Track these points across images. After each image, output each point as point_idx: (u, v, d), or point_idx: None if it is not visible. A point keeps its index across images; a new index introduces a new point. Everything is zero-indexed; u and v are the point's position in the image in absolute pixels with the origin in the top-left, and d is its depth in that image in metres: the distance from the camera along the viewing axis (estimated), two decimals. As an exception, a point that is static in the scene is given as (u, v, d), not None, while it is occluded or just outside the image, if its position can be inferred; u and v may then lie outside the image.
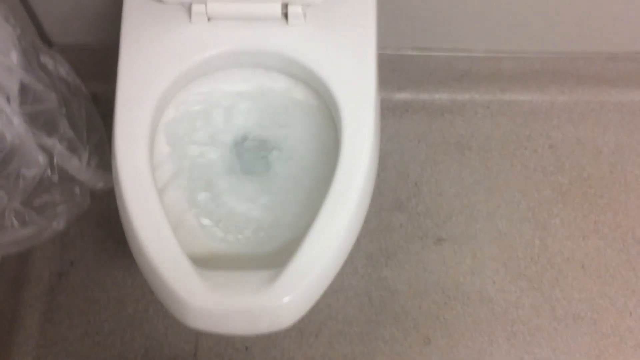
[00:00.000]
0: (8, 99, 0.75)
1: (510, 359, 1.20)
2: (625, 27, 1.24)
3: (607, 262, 1.28)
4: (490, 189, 1.33)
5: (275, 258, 0.90)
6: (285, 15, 0.92)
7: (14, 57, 0.76)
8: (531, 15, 1.20)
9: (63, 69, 0.93)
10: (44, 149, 0.84)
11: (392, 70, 1.34)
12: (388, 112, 1.38)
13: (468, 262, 1.27)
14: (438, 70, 1.35)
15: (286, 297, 0.77)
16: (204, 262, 0.88)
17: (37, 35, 1.16)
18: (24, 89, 0.79)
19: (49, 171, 0.87)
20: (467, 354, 1.20)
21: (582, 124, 1.39)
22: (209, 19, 0.92)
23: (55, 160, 0.87)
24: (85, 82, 1.05)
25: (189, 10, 0.91)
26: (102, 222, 1.27)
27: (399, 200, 1.32)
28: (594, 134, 1.39)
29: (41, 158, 0.81)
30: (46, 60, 0.90)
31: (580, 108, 1.40)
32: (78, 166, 0.90)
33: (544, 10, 1.19)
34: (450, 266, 1.27)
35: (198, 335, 1.20)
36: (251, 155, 0.98)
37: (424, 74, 1.35)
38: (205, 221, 0.93)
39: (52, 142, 0.85)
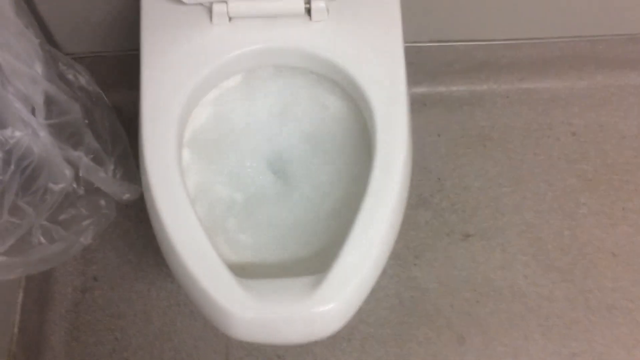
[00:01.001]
0: (33, 111, 0.72)
1: (547, 354, 1.17)
2: (644, 6, 1.22)
3: (638, 248, 1.26)
4: (515, 180, 1.31)
5: (311, 263, 0.88)
6: (309, 11, 0.89)
7: (38, 67, 0.73)
8: None
9: (83, 78, 0.90)
10: (69, 161, 0.81)
11: (408, 64, 1.29)
12: (406, 107, 1.35)
13: (497, 256, 1.24)
14: (456, 62, 1.32)
15: (332, 303, 0.74)
16: (238, 271, 0.85)
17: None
18: (48, 101, 0.76)
19: (74, 184, 0.84)
20: (503, 352, 1.18)
21: (603, 109, 1.37)
22: (230, 19, 0.89)
23: (81, 173, 0.85)
24: (101, 92, 1.02)
25: (209, 11, 0.89)
26: (123, 234, 1.24)
27: (423, 197, 1.29)
28: (615, 119, 1.36)
29: (68, 171, 0.79)
30: (65, 69, 0.87)
31: (601, 93, 1.38)
32: (104, 178, 0.87)
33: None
34: (479, 262, 1.24)
35: (228, 346, 1.17)
36: (281, 156, 0.95)
37: (441, 65, 1.33)
38: (237, 228, 0.90)
39: (78, 155, 0.83)
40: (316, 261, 0.87)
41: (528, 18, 1.22)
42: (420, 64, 1.32)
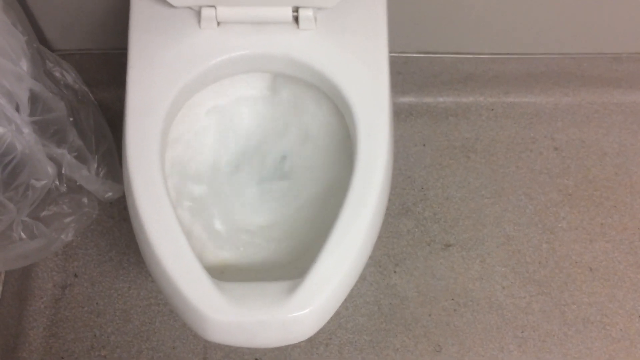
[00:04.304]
0: (18, 108, 0.73)
1: (521, 365, 1.19)
2: (629, 27, 1.24)
3: (615, 264, 1.27)
4: (497, 192, 1.32)
5: (288, 268, 0.89)
6: (296, 20, 0.90)
7: (24, 64, 0.74)
8: (536, 16, 1.19)
9: (70, 76, 0.90)
10: (52, 159, 0.82)
11: (396, 74, 1.33)
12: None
13: (477, 267, 1.26)
14: (443, 73, 1.34)
15: (307, 308, 0.75)
16: (217, 274, 0.86)
17: (38, 42, 1.13)
18: (33, 98, 0.76)
19: (57, 182, 0.84)
20: (478, 361, 1.19)
21: (586, 125, 1.39)
22: (218, 24, 0.90)
23: (64, 171, 0.85)
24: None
25: (198, 15, 0.89)
26: (105, 232, 1.24)
27: (406, 206, 1.30)
28: (597, 136, 1.38)
29: (50, 169, 0.79)
30: (52, 67, 0.87)
31: (584, 110, 1.40)
32: (87, 176, 0.88)
33: (548, 12, 1.18)
34: (459, 272, 1.25)
35: (206, 347, 1.17)
36: (262, 163, 0.96)
37: (429, 76, 1.34)
38: (217, 231, 0.90)
39: (61, 152, 0.83)
40: (295, 266, 0.88)
41: (515, 33, 1.24)
42: (408, 75, 1.33)
